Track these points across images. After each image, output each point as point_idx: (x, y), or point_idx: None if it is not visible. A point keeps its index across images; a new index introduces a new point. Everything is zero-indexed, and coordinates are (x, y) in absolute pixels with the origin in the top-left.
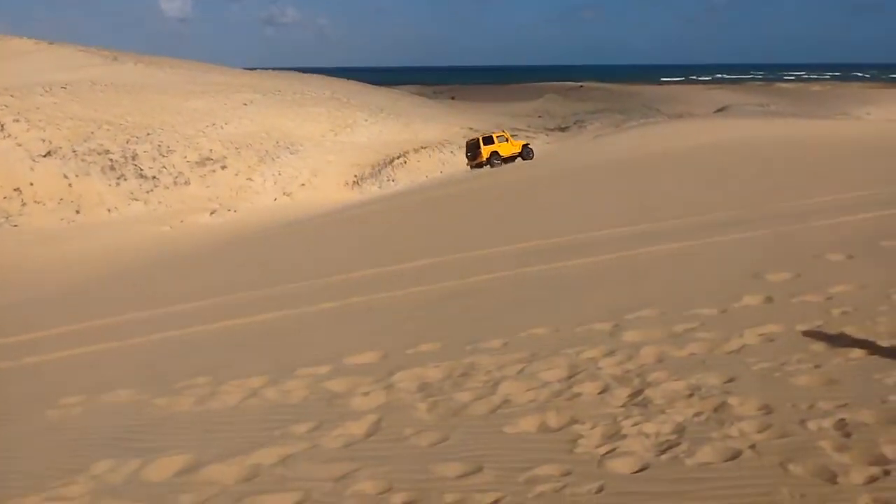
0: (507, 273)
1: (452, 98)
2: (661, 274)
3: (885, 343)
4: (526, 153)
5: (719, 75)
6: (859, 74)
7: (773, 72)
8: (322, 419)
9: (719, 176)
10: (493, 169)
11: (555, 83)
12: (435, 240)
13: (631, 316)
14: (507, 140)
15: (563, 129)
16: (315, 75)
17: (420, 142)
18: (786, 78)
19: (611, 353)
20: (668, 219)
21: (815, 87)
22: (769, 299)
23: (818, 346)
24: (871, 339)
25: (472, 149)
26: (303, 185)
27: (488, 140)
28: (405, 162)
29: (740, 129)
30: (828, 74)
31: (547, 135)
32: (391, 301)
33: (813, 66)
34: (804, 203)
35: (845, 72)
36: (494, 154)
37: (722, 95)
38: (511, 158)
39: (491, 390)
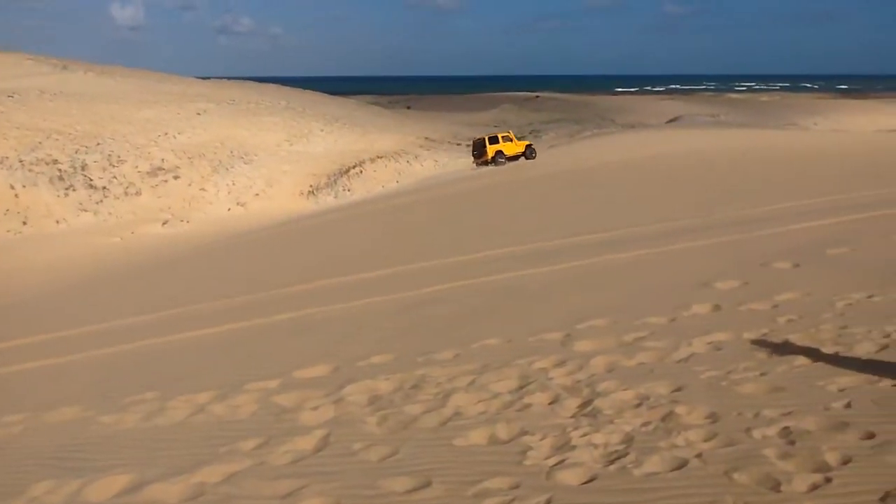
0: (463, 283)
1: (408, 108)
2: (614, 283)
3: (828, 350)
4: (529, 153)
5: (673, 86)
6: (808, 85)
7: (725, 83)
8: (270, 435)
9: (671, 185)
10: (449, 178)
11: (511, 93)
12: (390, 250)
13: (583, 325)
14: (511, 140)
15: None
16: (270, 85)
17: (376, 151)
18: (737, 88)
19: (562, 364)
20: (621, 228)
21: (765, 98)
22: (717, 307)
23: (764, 354)
24: (815, 346)
25: (479, 148)
26: (257, 195)
27: (494, 140)
28: (361, 172)
29: (691, 139)
30: (777, 85)
31: None
32: (346, 312)
33: (763, 77)
34: (753, 212)
35: (794, 83)
36: (499, 153)
37: (674, 106)
38: (515, 157)
39: (441, 402)
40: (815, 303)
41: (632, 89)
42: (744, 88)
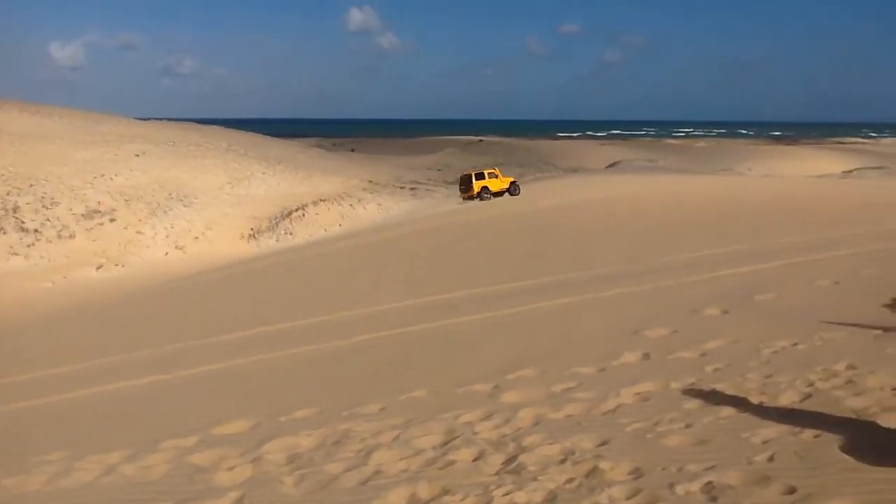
0: (395, 331)
1: (352, 150)
2: (546, 331)
3: (754, 400)
4: (513, 189)
5: (614, 131)
6: (743, 132)
7: (664, 128)
8: (181, 498)
9: (607, 230)
10: (391, 222)
11: (455, 137)
12: (326, 296)
13: (512, 376)
14: (496, 177)
15: None
16: (212, 126)
17: (319, 194)
18: (675, 134)
19: (489, 417)
20: (556, 273)
21: (701, 144)
22: (647, 356)
23: (691, 405)
24: (741, 395)
25: (465, 182)
26: (196, 238)
27: (480, 176)
28: (303, 215)
29: (627, 184)
30: (714, 132)
31: (446, 188)
32: (273, 362)
33: (701, 124)
34: (686, 257)
35: (731, 129)
36: (485, 188)
37: (614, 151)
38: (500, 193)
39: (363, 460)
40: (742, 351)
41: (574, 134)
42: (682, 134)
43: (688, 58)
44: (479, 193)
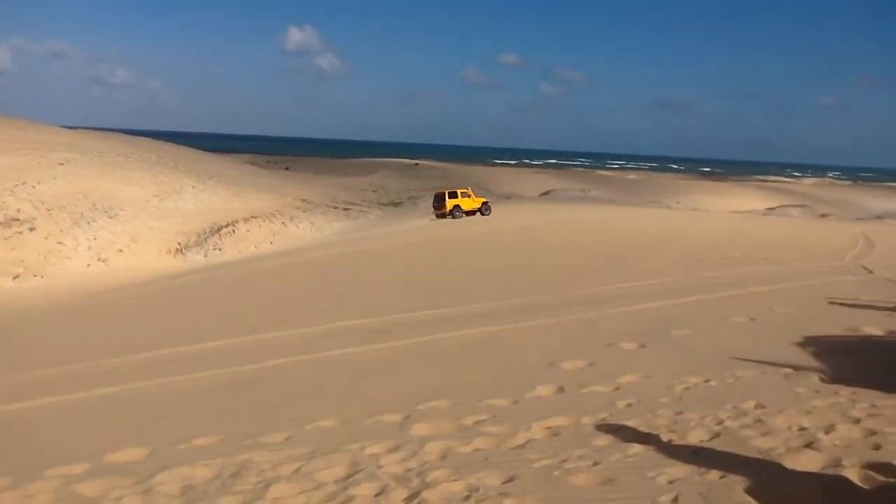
0: (308, 357)
1: (287, 169)
2: (462, 360)
3: (663, 437)
4: (484, 209)
5: (550, 161)
6: (674, 166)
7: (599, 160)
8: None
9: (530, 260)
10: (323, 242)
11: (391, 159)
12: (244, 317)
13: (423, 406)
14: (469, 196)
15: (396, 205)
16: (142, 138)
17: (251, 211)
18: (608, 166)
19: (396, 449)
20: (479, 301)
21: (632, 176)
22: (561, 389)
23: (601, 441)
24: (651, 432)
25: (439, 200)
26: (120, 251)
27: (453, 195)
28: (234, 231)
29: (555, 213)
30: (646, 165)
31: (380, 210)
32: (177, 386)
33: (634, 157)
34: (608, 288)
35: (662, 163)
36: (457, 207)
37: (548, 180)
38: (472, 212)
39: (260, 493)
40: (655, 386)
41: (510, 162)
42: (616, 166)
43: (623, 95)
44: (451, 211)
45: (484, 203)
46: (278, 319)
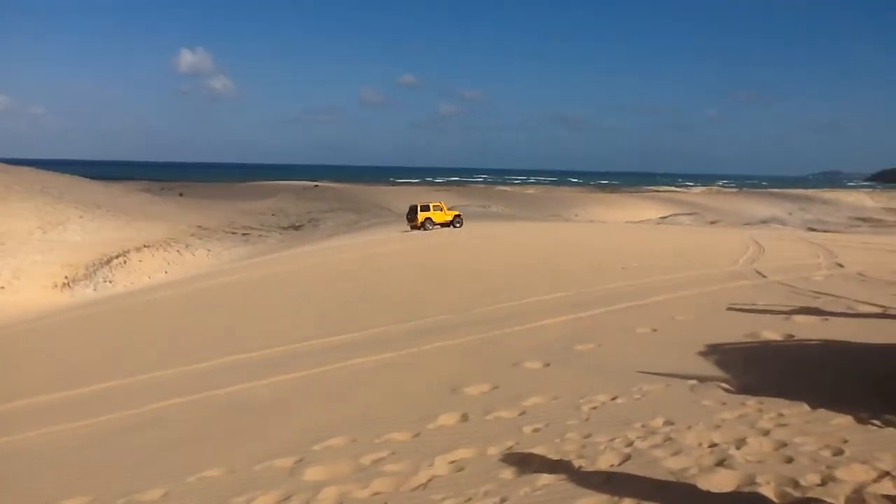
0: (193, 397)
1: (181, 195)
2: (360, 391)
3: (573, 464)
4: (456, 221)
5: (452, 178)
6: (574, 180)
7: (499, 176)
8: None
9: (432, 278)
10: (213, 270)
11: (290, 182)
12: (126, 355)
13: (319, 446)
14: (441, 209)
15: (297, 228)
16: (24, 167)
17: (143, 240)
18: (508, 181)
19: (286, 499)
20: (377, 326)
21: (531, 191)
22: (465, 417)
23: (507, 473)
24: (560, 459)
25: (412, 213)
26: (2, 287)
27: (425, 208)
28: (125, 262)
29: (453, 232)
30: (546, 180)
31: (280, 233)
32: (40, 440)
33: (534, 172)
34: (509, 305)
35: (561, 177)
36: (428, 220)
37: (449, 197)
38: (444, 224)
39: None
40: (561, 407)
41: (412, 180)
42: (518, 182)
43: (520, 112)
44: (422, 223)
45: (456, 216)
46: (164, 356)
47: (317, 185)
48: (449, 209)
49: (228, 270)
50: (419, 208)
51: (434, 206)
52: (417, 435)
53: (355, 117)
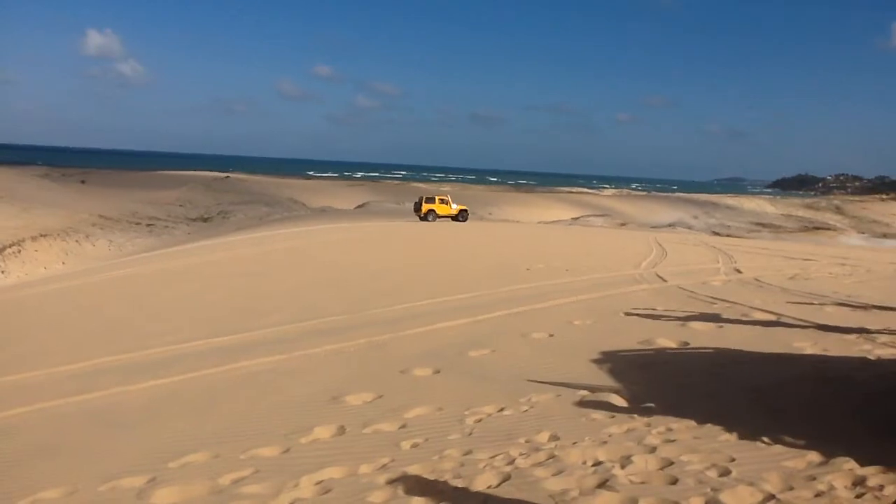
0: (51, 404)
1: (83, 182)
2: (236, 399)
3: (449, 484)
4: (461, 216)
5: (373, 174)
6: (493, 179)
7: (416, 172)
8: None
9: (332, 276)
10: (114, 262)
11: (201, 172)
12: None
13: (176, 463)
14: (447, 203)
15: (205, 220)
16: None
17: (40, 229)
18: (424, 178)
19: None
20: (270, 326)
21: (447, 188)
22: (341, 430)
23: (377, 496)
24: (435, 479)
25: (418, 204)
26: None
27: (430, 200)
28: (20, 251)
29: (361, 228)
30: (462, 177)
31: (188, 225)
32: None
33: (454, 170)
34: (406, 307)
35: (479, 175)
36: (431, 212)
37: (364, 192)
38: (450, 218)
39: None
40: (445, 419)
41: (327, 174)
42: (435, 178)
43: (438, 109)
44: (425, 215)
45: (461, 211)
46: (35, 355)
47: (228, 177)
48: (456, 203)
49: (127, 262)
50: (424, 200)
51: (440, 200)
52: (287, 451)
53: (271, 108)
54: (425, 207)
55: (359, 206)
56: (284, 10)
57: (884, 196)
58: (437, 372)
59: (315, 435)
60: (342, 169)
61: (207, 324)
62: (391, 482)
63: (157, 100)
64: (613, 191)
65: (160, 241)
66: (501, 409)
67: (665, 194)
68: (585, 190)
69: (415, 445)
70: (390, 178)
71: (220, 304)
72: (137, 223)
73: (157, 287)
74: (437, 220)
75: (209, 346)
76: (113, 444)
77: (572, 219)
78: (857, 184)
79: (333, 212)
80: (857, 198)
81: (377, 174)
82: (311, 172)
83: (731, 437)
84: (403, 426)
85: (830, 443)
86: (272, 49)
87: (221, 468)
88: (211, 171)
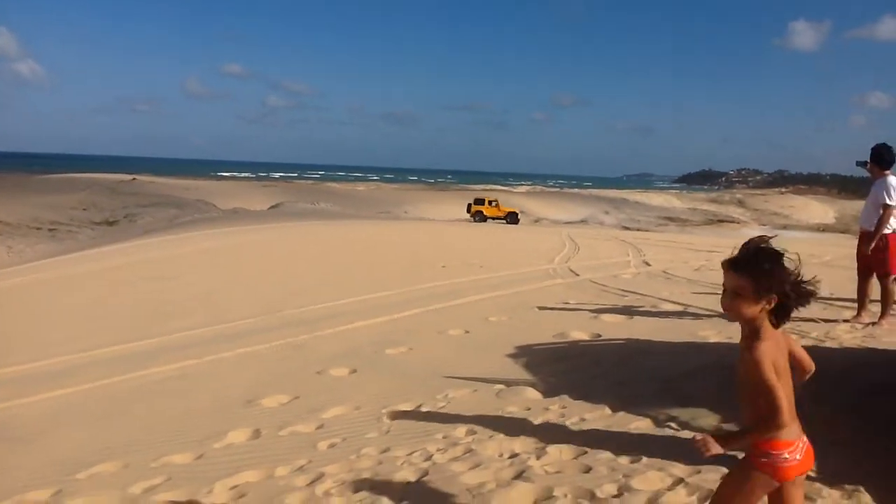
0: None
1: None
2: (144, 407)
3: (368, 481)
4: (510, 218)
5: (290, 174)
6: (412, 178)
7: (330, 171)
8: None
9: (247, 278)
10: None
11: (105, 175)
12: None
13: (83, 474)
14: (496, 206)
15: (111, 224)
16: None
17: None
18: (339, 178)
19: None
20: (182, 330)
21: (361, 188)
22: (257, 433)
23: (293, 497)
24: (353, 479)
25: (470, 205)
26: None
27: (479, 202)
28: None
29: (277, 229)
30: (379, 177)
31: (92, 229)
32: None
33: (367, 169)
34: (326, 306)
35: (396, 174)
36: (479, 213)
37: (277, 193)
38: (495, 219)
39: None
40: (363, 418)
41: (239, 174)
42: (353, 177)
43: (352, 108)
44: (473, 215)
45: (509, 213)
46: None
47: (135, 179)
48: (505, 206)
49: (28, 269)
50: (474, 202)
51: (489, 202)
52: (200, 456)
53: (179, 107)
54: (473, 209)
55: (272, 207)
56: (191, 7)
57: (783, 189)
58: (354, 371)
59: (229, 439)
60: (257, 169)
61: (113, 330)
62: (309, 483)
63: (57, 100)
64: (528, 187)
65: (63, 246)
66: (419, 406)
67: (577, 191)
68: (500, 187)
69: (332, 445)
70: (307, 178)
71: (128, 310)
72: (38, 228)
73: (59, 294)
74: (486, 221)
75: (115, 353)
76: (13, 458)
77: None
78: (757, 178)
79: (245, 213)
80: (758, 191)
81: (295, 175)
82: (221, 173)
83: (642, 425)
84: (321, 426)
85: (735, 427)
86: (179, 47)
87: (132, 477)
88: (116, 173)
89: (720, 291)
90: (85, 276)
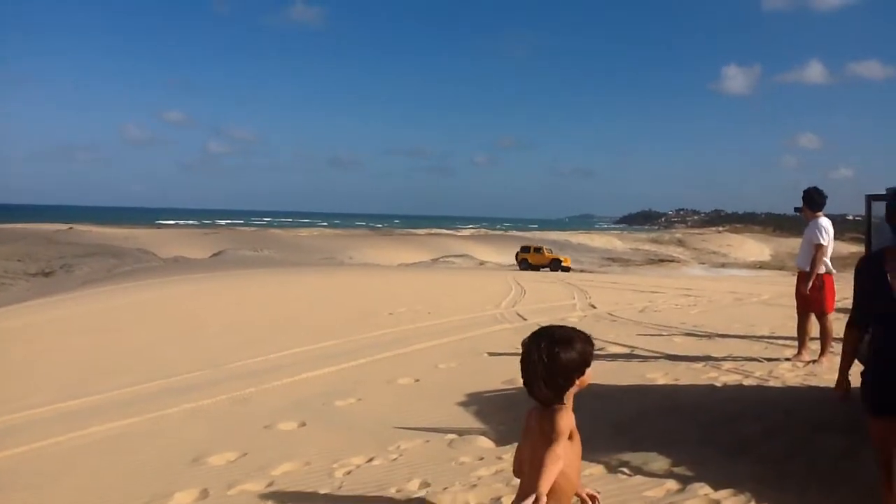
0: None
1: None
2: (84, 468)
3: None
4: (553, 265)
5: (237, 220)
6: (360, 223)
7: (274, 217)
8: None
9: (188, 330)
10: None
11: (40, 225)
12: None
13: None
14: (541, 253)
15: (47, 275)
16: None
17: None
18: (282, 224)
19: None
20: (119, 387)
21: (304, 234)
22: (204, 493)
23: None
24: None
25: (517, 254)
26: None
27: (525, 249)
28: None
29: (215, 279)
30: (322, 222)
31: (27, 281)
32: None
33: (310, 214)
34: (271, 358)
35: (342, 219)
36: (524, 260)
37: (219, 240)
38: (543, 267)
39: None
40: (313, 474)
41: (179, 222)
42: (296, 224)
43: (295, 153)
44: (518, 262)
45: (553, 260)
46: None
47: (71, 228)
48: (552, 253)
49: None
50: (521, 249)
51: (534, 249)
52: None
53: (117, 154)
54: (519, 256)
55: (214, 255)
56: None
57: (720, 228)
58: (303, 424)
59: (176, 500)
60: (201, 217)
61: (50, 389)
62: None
63: None
64: (472, 230)
65: None
66: (370, 460)
67: (521, 233)
68: (445, 231)
69: None
70: (253, 224)
71: (65, 365)
72: None
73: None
74: (530, 268)
75: (54, 411)
76: None
77: (432, 259)
78: (695, 217)
79: (186, 262)
80: (696, 230)
81: (241, 221)
82: (164, 221)
83: (595, 471)
84: (270, 484)
85: (686, 469)
86: (119, 92)
87: None
88: (52, 223)
89: (665, 332)
90: (20, 330)
